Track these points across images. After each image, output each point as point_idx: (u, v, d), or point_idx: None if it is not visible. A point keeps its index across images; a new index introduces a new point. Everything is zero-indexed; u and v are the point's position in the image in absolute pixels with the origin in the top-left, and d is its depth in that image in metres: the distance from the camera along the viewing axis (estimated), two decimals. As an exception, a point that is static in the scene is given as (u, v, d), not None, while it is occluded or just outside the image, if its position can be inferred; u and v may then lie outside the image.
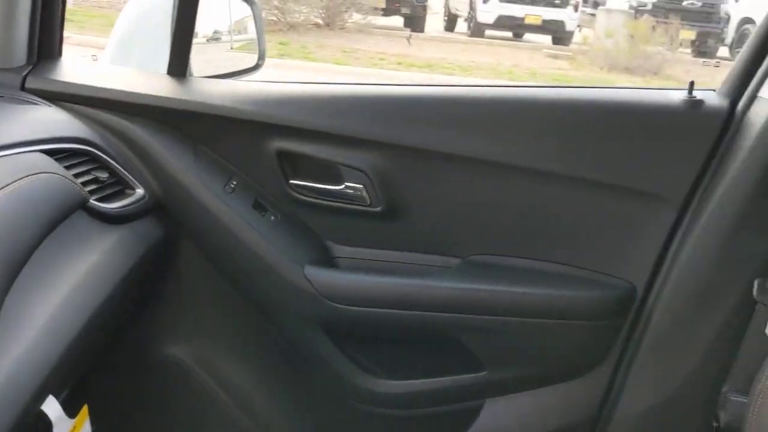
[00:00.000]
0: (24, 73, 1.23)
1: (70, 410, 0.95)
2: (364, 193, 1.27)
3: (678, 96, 1.20)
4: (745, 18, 9.69)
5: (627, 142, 1.21)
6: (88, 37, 5.77)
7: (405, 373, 1.33)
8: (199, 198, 1.26)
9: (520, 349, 1.27)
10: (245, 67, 1.55)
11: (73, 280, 0.95)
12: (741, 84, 1.19)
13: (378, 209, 1.28)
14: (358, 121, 1.26)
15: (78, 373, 1.00)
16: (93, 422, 1.11)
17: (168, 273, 1.32)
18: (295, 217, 1.32)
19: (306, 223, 1.33)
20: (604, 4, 10.70)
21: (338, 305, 1.26)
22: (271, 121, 1.26)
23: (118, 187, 1.18)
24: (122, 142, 1.23)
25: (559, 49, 9.85)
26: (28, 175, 0.90)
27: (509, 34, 10.74)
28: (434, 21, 11.25)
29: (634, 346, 1.24)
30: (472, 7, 10.36)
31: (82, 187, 1.03)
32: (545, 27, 10.19)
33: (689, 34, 9.65)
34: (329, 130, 1.26)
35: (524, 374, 1.30)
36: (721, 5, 10.32)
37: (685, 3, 10.04)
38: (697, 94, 1.19)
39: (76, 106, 1.23)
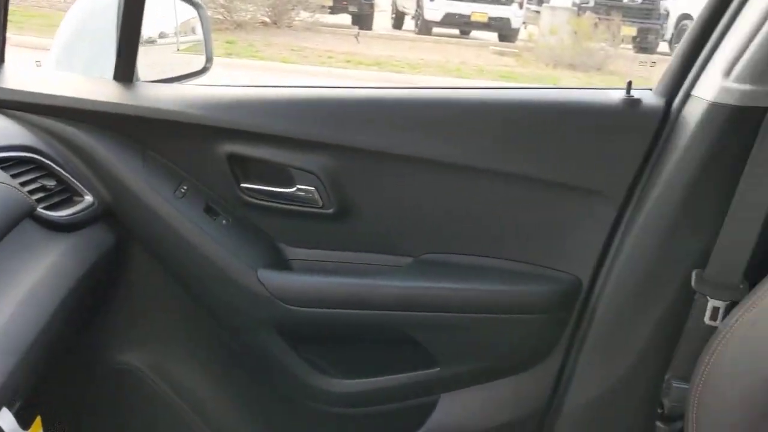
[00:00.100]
0: None
1: (24, 422, 0.93)
2: (316, 195, 1.28)
3: (617, 95, 1.24)
4: (684, 14, 9.97)
5: (569, 141, 1.24)
6: (27, 37, 5.63)
7: (360, 371, 1.35)
8: (149, 204, 1.25)
9: (471, 344, 1.30)
10: (193, 70, 1.54)
11: (23, 290, 0.94)
12: (676, 83, 1.23)
13: (330, 211, 1.29)
14: (309, 124, 1.27)
15: (31, 383, 0.99)
16: (46, 432, 1.10)
17: (119, 280, 1.31)
18: (247, 221, 1.33)
19: (258, 226, 1.33)
20: (548, 1, 10.88)
21: (292, 307, 1.27)
22: (220, 125, 1.26)
23: (66, 194, 1.17)
24: (69, 149, 1.22)
25: (506, 46, 9.99)
26: None
27: (456, 31, 10.84)
28: (382, 19, 11.28)
29: (581, 338, 1.28)
30: (419, 5, 10.42)
31: (29, 195, 1.02)
32: (491, 24, 10.31)
33: (630, 30, 9.88)
34: (280, 133, 1.26)
35: (477, 368, 1.33)
36: (660, 2, 10.59)
37: (625, 0, 10.27)
38: (635, 94, 1.23)
39: (21, 114, 1.21)
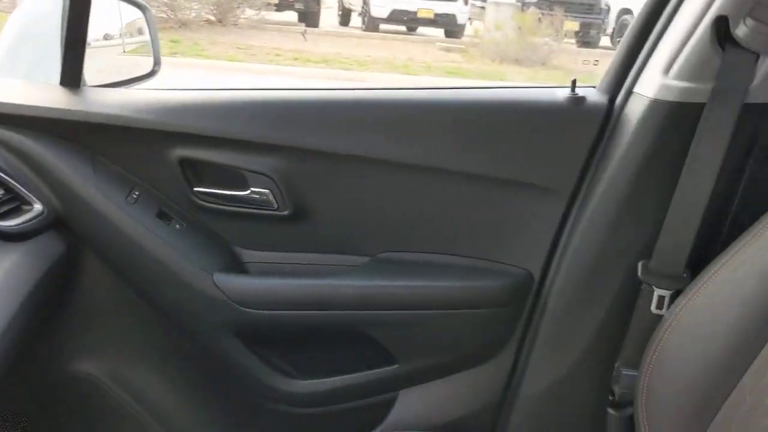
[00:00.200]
0: None
1: (-21, 435, 0.92)
2: (271, 198, 1.28)
3: (562, 93, 1.27)
4: (624, 9, 10.21)
5: (518, 139, 1.26)
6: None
7: (320, 371, 1.36)
8: (101, 210, 1.24)
9: (429, 340, 1.32)
10: (141, 73, 1.52)
11: None
12: (618, 80, 1.27)
13: (285, 213, 1.29)
14: (261, 126, 1.26)
15: None
16: (2, 444, 1.08)
17: (73, 288, 1.29)
18: (201, 225, 1.32)
19: (213, 230, 1.33)
20: (492, -4, 11.02)
21: (250, 310, 1.27)
22: (171, 129, 1.25)
23: (14, 203, 1.15)
24: (16, 156, 1.19)
25: (452, 42, 10.07)
26: None
27: (403, 28, 10.88)
28: (328, 16, 11.25)
29: (534, 330, 1.31)
30: (365, 2, 10.43)
31: None
32: (437, 20, 10.38)
33: (573, 25, 10.08)
34: (232, 136, 1.26)
35: (435, 364, 1.35)
36: (601, -4, 10.82)
37: (567, -5, 10.47)
38: (579, 91, 1.26)
39: None
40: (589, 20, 10.50)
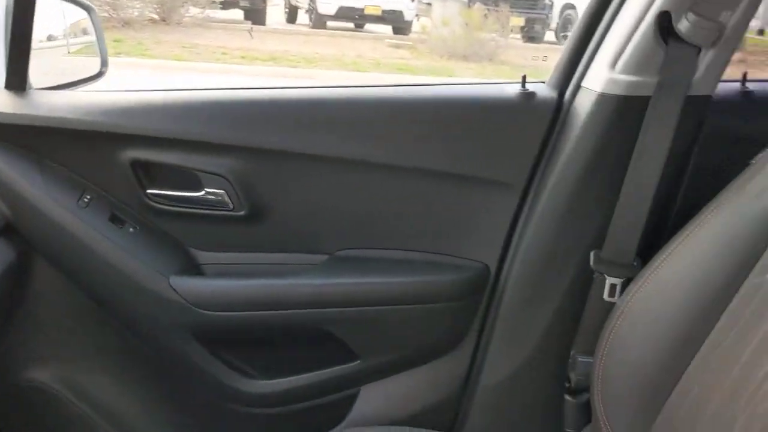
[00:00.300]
0: None
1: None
2: (226, 198, 1.27)
3: (512, 89, 1.29)
4: (567, 4, 10.40)
5: (470, 135, 1.28)
6: None
7: (281, 371, 1.35)
8: (51, 215, 1.21)
9: (388, 335, 1.33)
10: (88, 75, 1.49)
11: None
12: (566, 75, 1.29)
13: (241, 213, 1.28)
14: (213, 126, 1.25)
15: None
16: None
17: (24, 295, 1.26)
18: (155, 227, 1.30)
19: (168, 233, 1.31)
20: (439, -7, 11.08)
21: (208, 312, 1.26)
22: (121, 131, 1.23)
23: None
24: None
25: (400, 39, 10.09)
26: None
27: (351, 25, 10.86)
28: (275, 13, 11.15)
29: (491, 322, 1.34)
30: (312, -1, 10.39)
31: None
32: (385, 17, 10.39)
33: (518, 20, 10.22)
34: (184, 137, 1.25)
35: (395, 359, 1.36)
36: (545, -8, 10.99)
37: (512, -10, 10.60)
38: (530, 87, 1.28)
39: None
40: (534, 15, 10.65)
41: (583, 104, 1.24)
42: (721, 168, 1.08)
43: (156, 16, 9.25)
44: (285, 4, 11.51)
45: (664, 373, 1.01)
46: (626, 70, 1.18)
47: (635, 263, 1.20)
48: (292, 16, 11.37)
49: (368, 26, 11.09)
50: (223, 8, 10.06)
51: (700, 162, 1.28)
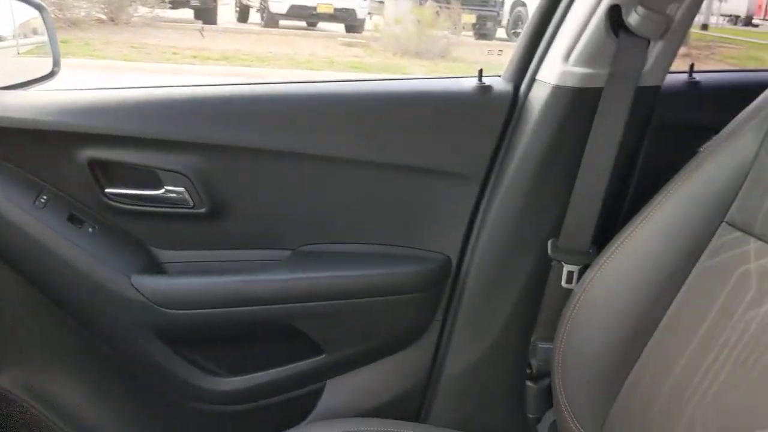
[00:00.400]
0: None
1: None
2: (186, 196, 1.27)
3: (469, 83, 1.31)
4: (518, 1, 10.52)
5: (430, 128, 1.30)
6: None
7: (247, 367, 1.35)
8: (7, 216, 1.19)
9: (353, 328, 1.34)
10: (39, 75, 1.46)
11: None
12: (521, 69, 1.31)
13: (202, 210, 1.28)
14: (171, 124, 1.24)
15: None
16: None
17: None
18: (115, 227, 1.29)
19: (128, 232, 1.30)
20: (391, -9, 11.09)
21: (171, 311, 1.25)
22: (78, 130, 1.22)
23: None
24: None
25: (353, 37, 10.09)
26: None
27: (303, 23, 10.81)
28: (226, 12, 11.03)
29: (454, 312, 1.36)
30: (263, -3, 10.31)
31: None
32: (337, 15, 10.36)
33: (470, 17, 10.30)
34: (142, 135, 1.23)
35: (360, 351, 1.37)
36: (496, -11, 11.10)
37: (463, -12, 10.68)
38: (486, 81, 1.30)
39: None
40: (485, 12, 10.75)
41: (538, 97, 1.26)
42: (671, 156, 1.12)
43: (104, 16, 9.07)
44: (236, 3, 11.39)
45: (619, 359, 1.04)
46: (579, 63, 1.21)
47: (591, 251, 1.23)
48: (243, 15, 11.26)
49: (321, 25, 11.05)
50: (173, 8, 9.91)
51: (650, 151, 1.32)
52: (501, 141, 1.30)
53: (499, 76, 1.35)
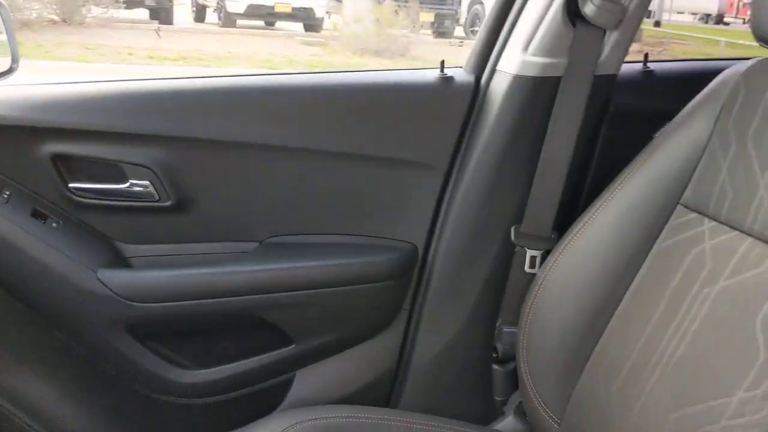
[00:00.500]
0: None
1: None
2: (152, 189, 1.26)
3: (432, 74, 1.33)
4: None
5: (394, 119, 1.31)
6: None
7: (216, 360, 1.35)
8: None
9: (322, 318, 1.35)
10: (-2, 71, 1.44)
11: None
12: (482, 59, 1.34)
13: (168, 204, 1.28)
14: (135, 117, 1.24)
15: None
16: None
17: None
18: (80, 222, 1.28)
19: (93, 227, 1.29)
20: (349, -10, 11.08)
21: (138, 304, 1.25)
22: (39, 124, 1.21)
23: None
24: None
25: (312, 36, 10.05)
26: None
27: (261, 23, 10.74)
28: (182, 12, 10.90)
29: (421, 299, 1.38)
30: (220, -3, 10.21)
31: None
32: (295, 15, 10.31)
33: (428, 16, 10.36)
34: (106, 129, 1.23)
35: (329, 341, 1.38)
36: (454, -12, 11.17)
37: (421, -13, 10.73)
38: (448, 72, 1.33)
39: None
40: (444, 11, 10.81)
41: (499, 86, 1.29)
42: (628, 143, 1.15)
43: (56, 17, 8.89)
44: (192, 2, 11.26)
45: (581, 340, 1.07)
46: (538, 53, 1.24)
47: (553, 236, 1.26)
48: (200, 14, 11.13)
49: (279, 24, 10.99)
50: (128, 8, 9.75)
51: (608, 138, 1.36)
52: (464, 131, 1.33)
53: (461, 67, 1.38)
